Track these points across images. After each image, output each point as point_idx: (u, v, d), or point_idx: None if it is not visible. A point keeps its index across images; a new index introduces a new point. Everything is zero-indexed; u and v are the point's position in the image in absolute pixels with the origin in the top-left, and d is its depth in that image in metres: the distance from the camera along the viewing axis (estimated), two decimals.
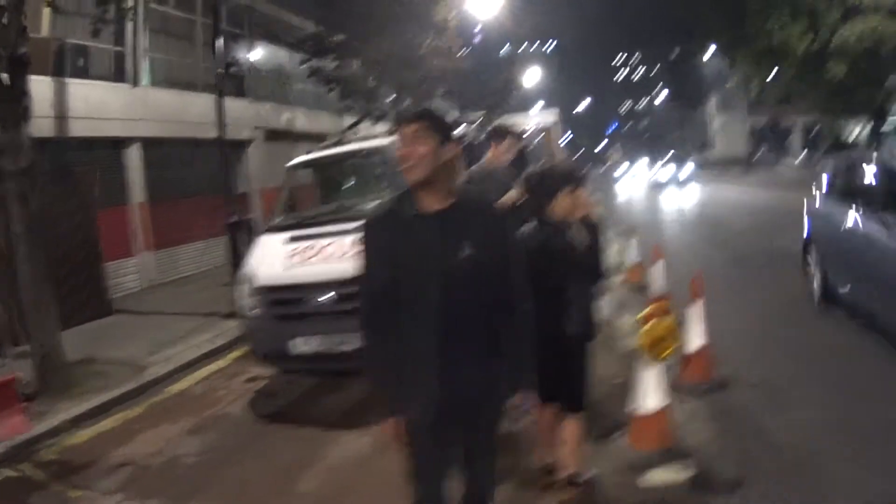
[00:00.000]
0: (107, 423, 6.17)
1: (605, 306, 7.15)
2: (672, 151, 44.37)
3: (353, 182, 7.80)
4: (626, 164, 60.89)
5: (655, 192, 32.57)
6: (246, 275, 6.14)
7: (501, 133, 5.51)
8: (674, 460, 4.01)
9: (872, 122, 29.17)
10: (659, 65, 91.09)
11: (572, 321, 3.42)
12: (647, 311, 3.91)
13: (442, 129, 2.40)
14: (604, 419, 4.79)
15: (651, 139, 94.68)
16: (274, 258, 6.02)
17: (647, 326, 3.85)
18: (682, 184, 34.77)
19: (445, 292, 2.35)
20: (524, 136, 6.07)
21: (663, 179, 35.71)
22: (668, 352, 3.89)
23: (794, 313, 7.12)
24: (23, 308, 7.07)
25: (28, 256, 6.54)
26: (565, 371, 3.50)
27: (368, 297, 2.51)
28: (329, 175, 8.15)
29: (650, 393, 4.08)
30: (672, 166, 37.74)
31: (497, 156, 5.44)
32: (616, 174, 58.95)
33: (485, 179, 5.14)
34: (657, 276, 7.15)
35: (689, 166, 38.13)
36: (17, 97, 6.43)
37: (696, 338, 5.24)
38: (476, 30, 23.45)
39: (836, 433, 4.24)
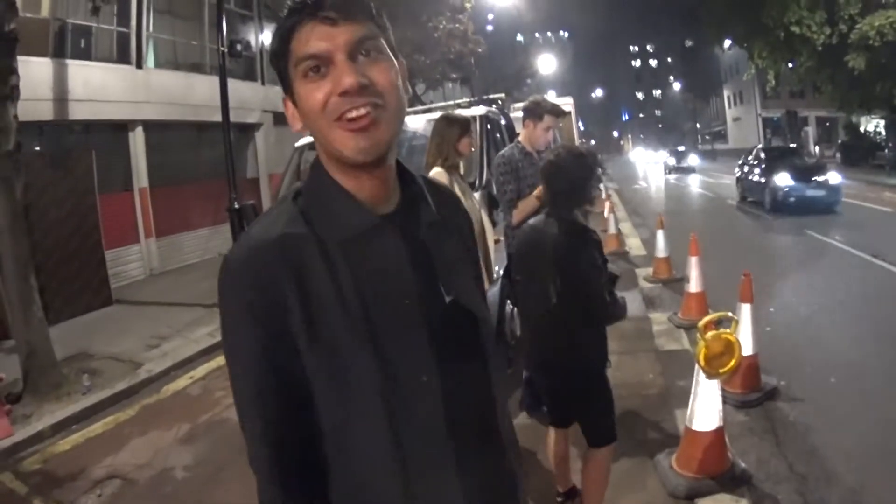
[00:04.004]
0: (96, 428, 5.71)
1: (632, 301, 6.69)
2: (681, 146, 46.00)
3: None
4: (641, 150, 60.95)
5: (672, 179, 32.44)
6: None
7: (540, 110, 4.44)
8: (728, 487, 3.58)
9: (888, 117, 28.64)
10: (671, 57, 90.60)
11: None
12: (707, 319, 3.39)
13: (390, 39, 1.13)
14: (641, 436, 4.33)
15: (664, 129, 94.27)
16: None
17: (706, 337, 3.32)
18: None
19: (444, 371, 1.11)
20: (564, 116, 5.23)
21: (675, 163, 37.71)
22: (727, 368, 3.38)
23: None
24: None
25: (12, 249, 6.02)
26: (585, 402, 3.01)
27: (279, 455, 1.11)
28: None
29: (705, 411, 3.57)
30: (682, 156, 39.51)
31: (536, 136, 4.48)
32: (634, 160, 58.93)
33: (520, 162, 4.42)
34: (695, 273, 6.61)
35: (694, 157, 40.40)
36: (2, 75, 5.93)
37: (744, 344, 4.72)
38: (490, 15, 22.95)
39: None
